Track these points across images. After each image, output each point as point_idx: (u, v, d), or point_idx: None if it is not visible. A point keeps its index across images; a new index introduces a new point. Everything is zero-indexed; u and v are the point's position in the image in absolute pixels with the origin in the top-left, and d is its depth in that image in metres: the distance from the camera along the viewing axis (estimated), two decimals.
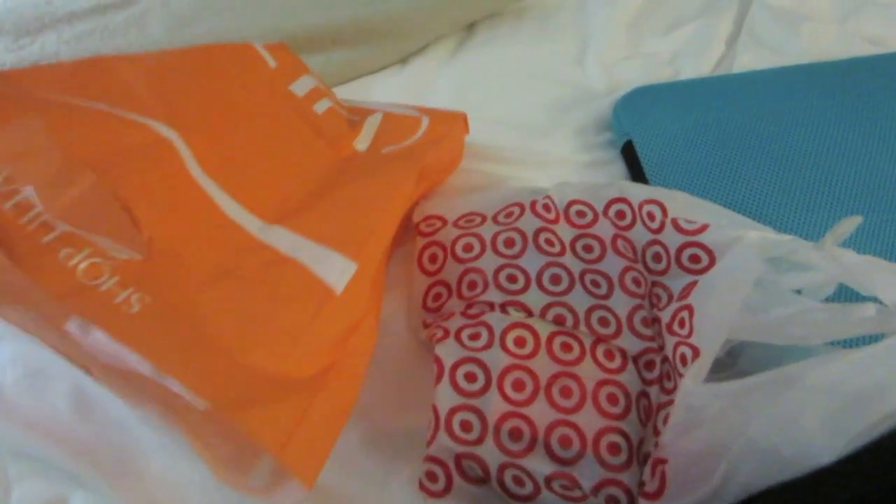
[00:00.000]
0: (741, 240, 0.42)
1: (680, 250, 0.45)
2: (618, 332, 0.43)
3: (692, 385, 0.36)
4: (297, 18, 0.70)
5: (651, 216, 0.46)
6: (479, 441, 0.38)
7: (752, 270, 0.39)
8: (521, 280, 0.45)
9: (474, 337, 0.42)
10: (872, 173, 0.51)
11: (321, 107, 0.51)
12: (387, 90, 0.66)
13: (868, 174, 0.51)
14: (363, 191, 0.43)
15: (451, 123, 0.54)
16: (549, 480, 0.38)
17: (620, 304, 0.44)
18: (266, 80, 0.49)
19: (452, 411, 0.39)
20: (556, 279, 0.45)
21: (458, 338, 0.42)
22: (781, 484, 0.33)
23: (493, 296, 0.44)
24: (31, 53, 0.66)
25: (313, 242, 0.38)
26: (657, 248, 0.46)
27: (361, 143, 0.50)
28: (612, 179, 0.52)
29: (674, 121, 0.55)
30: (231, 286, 0.34)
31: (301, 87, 0.50)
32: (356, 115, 0.54)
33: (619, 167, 0.57)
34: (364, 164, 0.47)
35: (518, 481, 0.38)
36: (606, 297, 0.45)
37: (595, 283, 0.45)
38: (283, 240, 0.38)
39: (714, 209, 0.45)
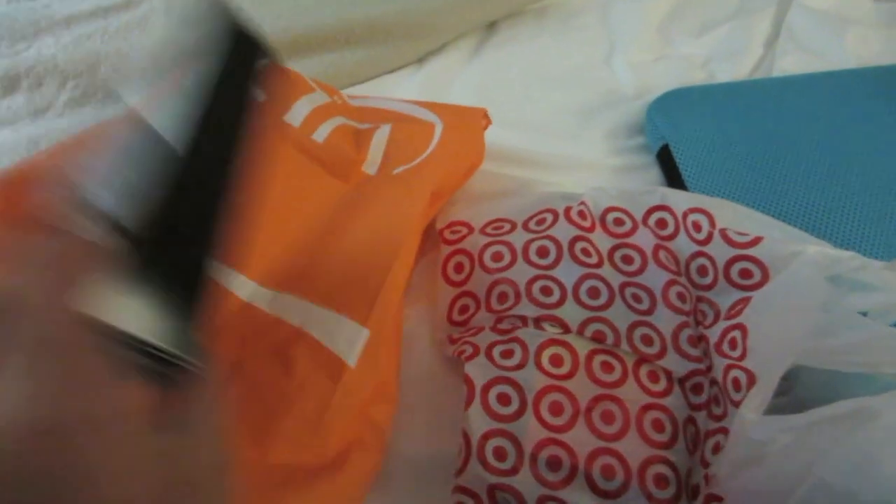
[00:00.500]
0: (800, 255, 0.38)
1: (729, 264, 0.41)
2: (662, 352, 0.40)
3: (753, 417, 0.33)
4: (308, 18, 0.67)
5: (697, 226, 0.43)
6: (515, 471, 0.35)
7: (817, 290, 0.35)
8: (557, 293, 0.41)
9: (507, 354, 0.39)
10: None
11: (322, 133, 0.47)
12: (403, 91, 0.62)
13: None
14: (371, 235, 0.41)
15: (468, 122, 0.50)
16: None
17: (664, 320, 0.41)
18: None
19: (485, 437, 0.36)
20: (594, 293, 0.41)
21: (489, 355, 0.39)
22: None
23: (527, 309, 0.41)
24: (26, 59, 0.62)
25: (323, 308, 0.36)
26: (703, 260, 0.43)
27: (370, 166, 0.47)
28: (648, 186, 0.48)
29: (714, 125, 0.52)
30: (246, 385, 0.34)
31: (297, 114, 0.46)
32: (365, 122, 0.50)
33: (654, 173, 0.54)
34: (373, 195, 0.44)
35: None
36: (649, 312, 0.41)
37: (636, 298, 0.42)
38: (293, 310, 0.37)
39: (765, 221, 0.42)
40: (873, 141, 0.50)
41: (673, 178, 0.51)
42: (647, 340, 0.40)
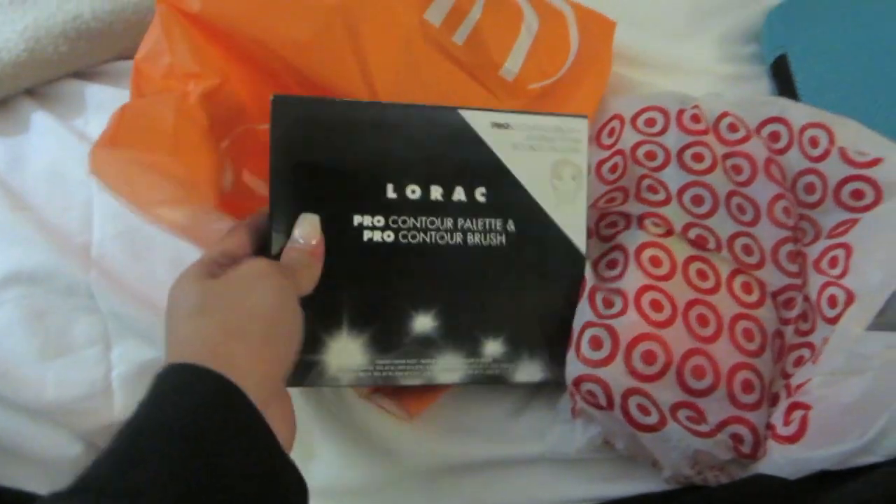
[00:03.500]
0: None
1: (841, 184, 0.40)
2: (761, 263, 0.40)
3: (858, 331, 0.33)
4: None
5: (814, 142, 0.42)
6: (607, 361, 0.36)
7: None
8: (662, 192, 0.41)
9: (612, 265, 0.40)
10: None
11: (462, 33, 0.46)
12: None
13: None
14: None
15: (600, 40, 0.49)
16: (674, 409, 0.36)
17: (766, 234, 0.41)
18: (398, 20, 0.44)
19: (584, 328, 0.37)
20: (697, 200, 0.41)
21: (594, 267, 0.40)
22: None
23: (633, 207, 0.41)
24: None
25: None
26: (812, 178, 0.42)
27: (510, 67, 0.46)
28: (766, 96, 0.47)
29: (840, 36, 0.49)
30: None
31: (437, 12, 0.45)
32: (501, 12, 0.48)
33: (764, 85, 0.52)
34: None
35: (643, 410, 0.36)
36: (752, 224, 0.41)
37: (741, 209, 0.41)
38: None
39: (887, 143, 0.41)
40: None
41: (786, 91, 0.49)
42: (748, 250, 0.40)
